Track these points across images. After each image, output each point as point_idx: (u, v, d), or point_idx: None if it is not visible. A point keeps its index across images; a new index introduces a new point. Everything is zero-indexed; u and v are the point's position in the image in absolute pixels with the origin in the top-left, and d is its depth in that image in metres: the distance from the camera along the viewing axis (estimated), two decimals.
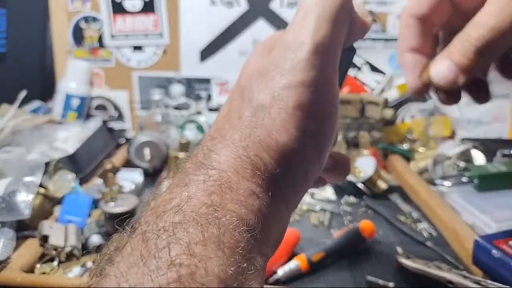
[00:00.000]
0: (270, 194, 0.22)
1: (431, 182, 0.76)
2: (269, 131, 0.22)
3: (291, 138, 0.22)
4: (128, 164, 0.82)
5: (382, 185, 0.74)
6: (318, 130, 0.23)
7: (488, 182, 0.67)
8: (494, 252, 0.48)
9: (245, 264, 0.19)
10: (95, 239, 0.56)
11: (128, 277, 0.17)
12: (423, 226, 0.64)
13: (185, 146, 0.81)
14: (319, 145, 0.24)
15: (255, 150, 0.22)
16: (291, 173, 0.23)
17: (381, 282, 0.49)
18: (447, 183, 0.70)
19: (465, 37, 0.27)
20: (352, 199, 0.73)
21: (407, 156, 0.87)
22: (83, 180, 0.73)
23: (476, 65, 0.27)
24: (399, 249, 0.57)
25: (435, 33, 0.33)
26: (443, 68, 0.28)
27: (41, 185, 0.62)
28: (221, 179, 0.21)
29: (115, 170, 0.61)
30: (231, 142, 0.23)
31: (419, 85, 0.31)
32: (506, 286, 0.45)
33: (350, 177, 0.75)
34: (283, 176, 0.23)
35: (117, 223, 0.64)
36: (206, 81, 1.02)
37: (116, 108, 1.04)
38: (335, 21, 0.23)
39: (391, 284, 0.49)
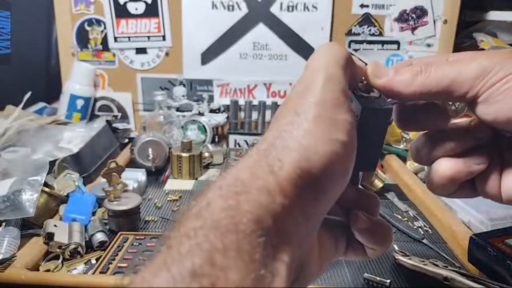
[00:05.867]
0: (285, 194, 0.22)
1: None
2: (294, 137, 0.23)
3: (318, 141, 0.23)
4: (132, 163, 0.84)
5: (379, 184, 0.75)
6: (344, 140, 0.24)
7: None
8: (490, 250, 0.48)
9: (262, 271, 0.19)
10: (99, 237, 0.57)
11: (153, 286, 0.18)
12: (419, 224, 0.65)
13: (187, 146, 0.82)
14: (346, 154, 0.24)
15: (276, 152, 0.23)
16: (311, 178, 0.23)
17: (378, 279, 0.50)
18: None
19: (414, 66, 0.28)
20: None
21: (403, 156, 0.89)
22: (87, 179, 0.74)
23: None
24: (396, 247, 0.58)
25: None
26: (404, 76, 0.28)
27: (46, 184, 0.63)
28: (236, 181, 0.22)
29: (118, 169, 0.62)
30: (255, 152, 0.24)
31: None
32: (502, 284, 0.46)
33: None
34: (303, 180, 0.22)
35: (121, 220, 0.65)
36: (208, 82, 1.04)
37: (120, 109, 1.05)
38: (340, 64, 0.26)
39: (388, 281, 0.50)
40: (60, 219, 0.62)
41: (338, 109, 0.24)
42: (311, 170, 0.23)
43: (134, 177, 0.73)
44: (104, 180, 0.62)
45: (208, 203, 0.21)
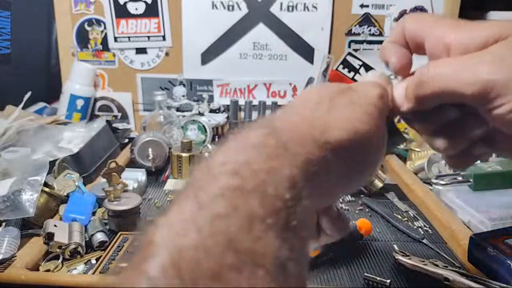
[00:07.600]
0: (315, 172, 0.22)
1: (427, 181, 0.77)
2: (343, 116, 0.25)
3: (362, 124, 0.26)
4: (132, 163, 0.84)
5: (379, 184, 0.75)
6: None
7: (483, 181, 0.68)
8: (490, 250, 0.48)
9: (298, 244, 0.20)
10: (99, 237, 0.57)
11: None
12: (419, 224, 0.65)
13: (187, 146, 0.82)
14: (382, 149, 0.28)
15: (319, 127, 0.24)
16: (339, 161, 0.24)
17: (378, 279, 0.50)
18: (443, 182, 0.70)
19: (419, 74, 0.28)
20: (349, 197, 0.74)
21: (404, 156, 0.88)
22: (87, 179, 0.74)
23: (420, 103, 0.29)
24: (396, 247, 0.58)
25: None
26: (399, 91, 0.30)
27: (46, 184, 0.63)
28: (279, 141, 0.22)
29: (118, 169, 0.62)
30: (298, 115, 0.25)
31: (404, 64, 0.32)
32: (502, 284, 0.46)
33: None
34: (334, 160, 0.24)
35: (121, 220, 0.65)
36: (208, 82, 1.04)
37: (120, 109, 1.05)
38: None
39: (388, 281, 0.50)
40: (60, 219, 0.62)
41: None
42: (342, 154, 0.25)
43: (134, 177, 0.73)
44: (104, 180, 0.63)
45: (248, 162, 0.20)
